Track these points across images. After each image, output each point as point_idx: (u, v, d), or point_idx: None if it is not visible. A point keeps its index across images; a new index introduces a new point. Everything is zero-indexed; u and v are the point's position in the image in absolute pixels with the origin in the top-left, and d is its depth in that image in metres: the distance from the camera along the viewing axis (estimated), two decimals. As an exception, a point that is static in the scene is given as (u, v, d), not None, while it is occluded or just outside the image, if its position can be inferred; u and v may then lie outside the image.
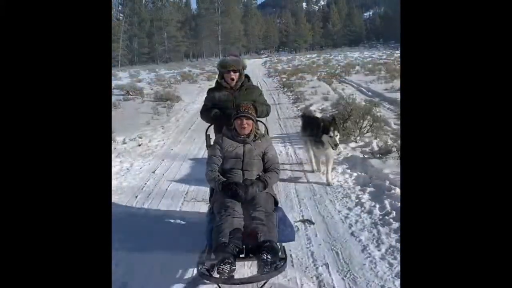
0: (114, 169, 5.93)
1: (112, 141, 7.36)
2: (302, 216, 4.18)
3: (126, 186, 5.37)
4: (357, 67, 24.44)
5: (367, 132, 6.95)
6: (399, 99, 10.55)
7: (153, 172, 5.96)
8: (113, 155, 6.62)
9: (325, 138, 4.76)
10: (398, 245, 3.37)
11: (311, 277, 3.02)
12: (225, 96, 3.64)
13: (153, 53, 59.15)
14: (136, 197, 4.95)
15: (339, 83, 17.34)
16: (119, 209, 4.50)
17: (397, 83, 14.25)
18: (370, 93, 13.67)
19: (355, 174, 5.30)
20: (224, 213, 2.86)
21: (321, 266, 3.18)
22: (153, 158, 6.76)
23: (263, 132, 3.57)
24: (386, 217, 3.93)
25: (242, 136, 3.29)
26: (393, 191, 4.40)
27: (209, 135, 3.85)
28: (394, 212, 3.96)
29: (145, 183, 5.46)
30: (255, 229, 2.76)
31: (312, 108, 10.46)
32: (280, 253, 2.73)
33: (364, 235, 3.66)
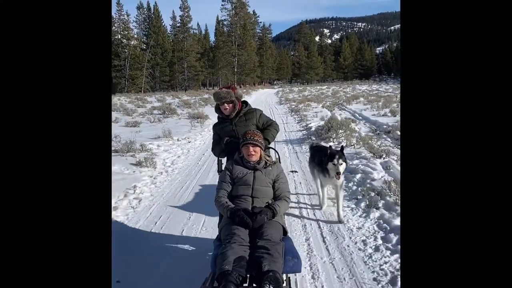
0: (177, 152, 9.59)
1: (171, 139, 10.96)
2: (292, 167, 7.60)
3: (190, 159, 9.02)
4: (361, 98, 27.27)
5: (342, 137, 10.36)
6: (379, 120, 14.13)
7: (203, 154, 9.49)
8: (174, 146, 10.31)
9: (330, 165, 4.73)
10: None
11: (287, 174, 6.40)
12: (227, 127, 3.75)
13: (173, 81, 62.76)
14: (198, 163, 8.50)
15: (340, 110, 20.80)
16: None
17: (384, 110, 17.79)
18: (360, 117, 17.08)
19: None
20: (230, 240, 2.80)
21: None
22: (200, 149, 10.35)
23: (274, 160, 3.53)
24: (337, 170, 7.34)
25: (252, 163, 3.28)
26: (344, 160, 7.80)
27: (220, 160, 3.97)
28: (341, 168, 7.37)
29: (200, 159, 9.01)
30: (259, 258, 2.66)
31: (311, 125, 13.90)
32: (284, 284, 2.63)
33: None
